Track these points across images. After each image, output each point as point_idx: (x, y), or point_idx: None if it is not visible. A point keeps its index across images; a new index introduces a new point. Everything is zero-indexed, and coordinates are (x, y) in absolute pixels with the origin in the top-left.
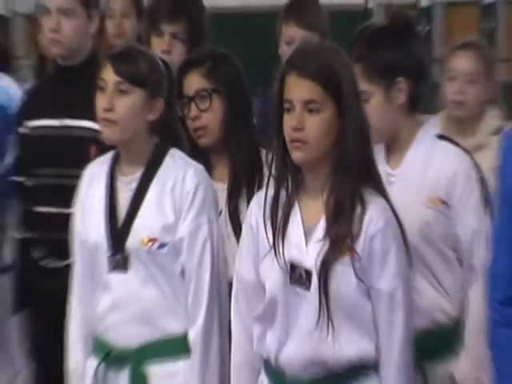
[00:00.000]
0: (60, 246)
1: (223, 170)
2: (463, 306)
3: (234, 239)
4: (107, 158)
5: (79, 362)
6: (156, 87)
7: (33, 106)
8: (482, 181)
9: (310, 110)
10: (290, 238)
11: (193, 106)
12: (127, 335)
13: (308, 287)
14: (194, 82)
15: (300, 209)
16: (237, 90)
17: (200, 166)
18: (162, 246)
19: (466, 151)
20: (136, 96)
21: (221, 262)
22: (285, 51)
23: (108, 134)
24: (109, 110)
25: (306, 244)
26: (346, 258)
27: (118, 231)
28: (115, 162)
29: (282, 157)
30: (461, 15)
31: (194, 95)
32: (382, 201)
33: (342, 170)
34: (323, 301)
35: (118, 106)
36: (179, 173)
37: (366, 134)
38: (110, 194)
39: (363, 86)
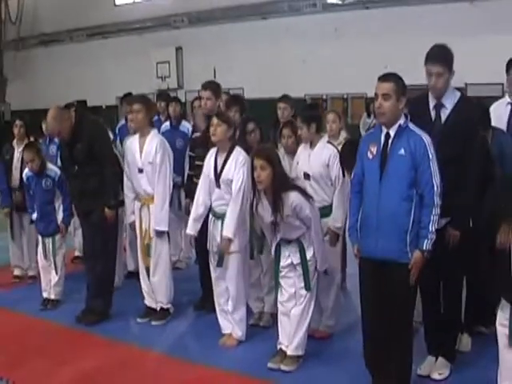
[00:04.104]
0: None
1: None
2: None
3: None
4: (215, 149)
5: (199, 214)
6: (231, 124)
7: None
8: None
9: (262, 169)
10: (264, 213)
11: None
12: (220, 209)
13: (278, 226)
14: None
15: (266, 203)
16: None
17: (244, 153)
18: (230, 181)
19: (336, 147)
20: (224, 126)
21: (247, 188)
22: (280, 115)
23: (214, 138)
24: (215, 131)
25: (271, 216)
26: (286, 218)
27: (217, 177)
28: (218, 150)
29: (255, 188)
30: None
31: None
32: (293, 192)
33: (274, 190)
34: (284, 227)
35: (217, 129)
36: (237, 157)
37: (284, 176)
38: (215, 162)
39: (301, 125)
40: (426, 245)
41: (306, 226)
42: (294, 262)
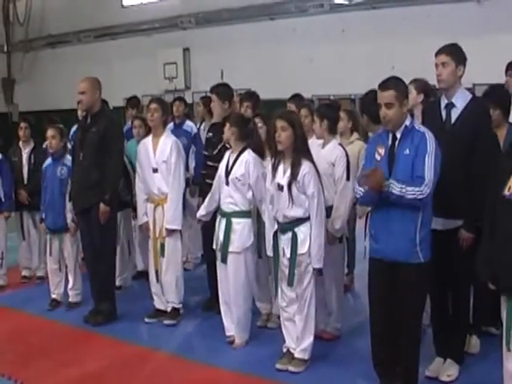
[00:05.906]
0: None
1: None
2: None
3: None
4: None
5: (212, 206)
6: (232, 123)
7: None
8: (347, 157)
9: (283, 130)
10: (277, 175)
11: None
12: (227, 207)
13: (282, 191)
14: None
15: (282, 165)
16: None
17: (255, 155)
18: (239, 180)
19: (343, 147)
20: (227, 125)
21: (263, 187)
22: None
23: (225, 139)
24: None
25: (283, 177)
26: (294, 182)
27: (227, 174)
28: (231, 151)
29: (275, 148)
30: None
31: None
32: (308, 162)
33: (294, 151)
34: (288, 196)
35: (224, 130)
36: (247, 158)
37: (304, 139)
38: (227, 161)
39: (316, 119)
40: (388, 189)
41: (308, 206)
42: (287, 256)
